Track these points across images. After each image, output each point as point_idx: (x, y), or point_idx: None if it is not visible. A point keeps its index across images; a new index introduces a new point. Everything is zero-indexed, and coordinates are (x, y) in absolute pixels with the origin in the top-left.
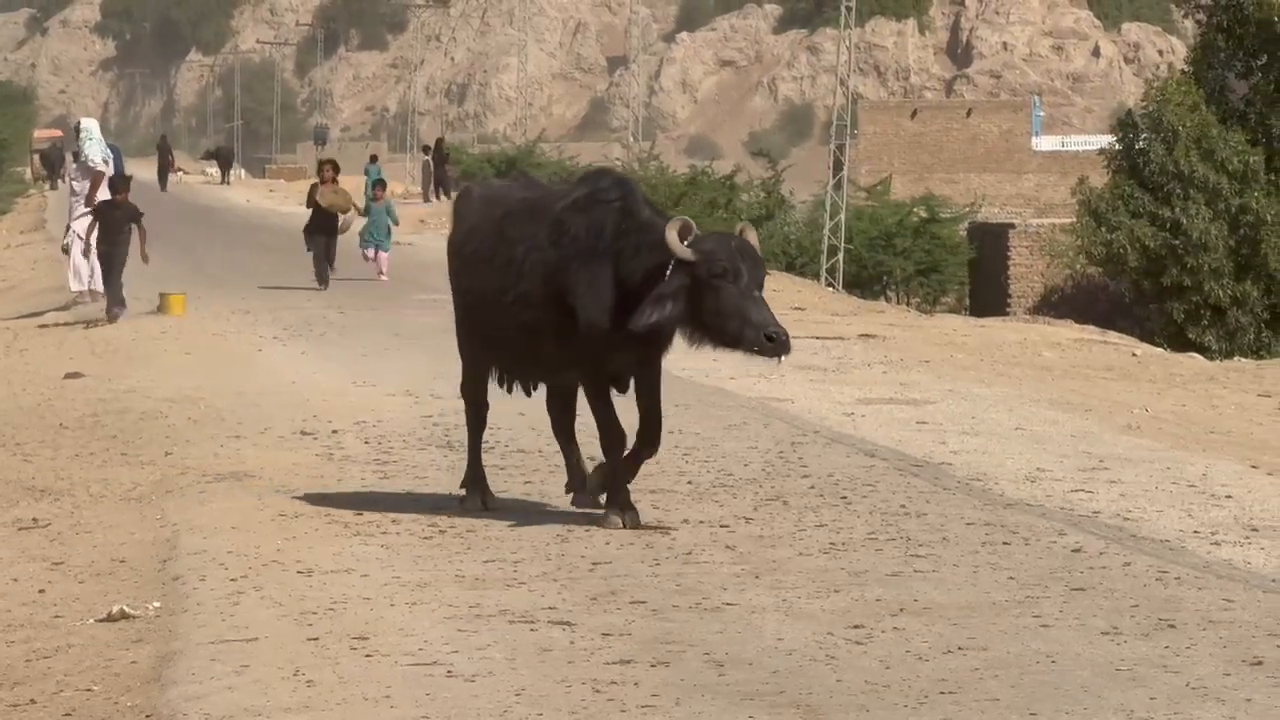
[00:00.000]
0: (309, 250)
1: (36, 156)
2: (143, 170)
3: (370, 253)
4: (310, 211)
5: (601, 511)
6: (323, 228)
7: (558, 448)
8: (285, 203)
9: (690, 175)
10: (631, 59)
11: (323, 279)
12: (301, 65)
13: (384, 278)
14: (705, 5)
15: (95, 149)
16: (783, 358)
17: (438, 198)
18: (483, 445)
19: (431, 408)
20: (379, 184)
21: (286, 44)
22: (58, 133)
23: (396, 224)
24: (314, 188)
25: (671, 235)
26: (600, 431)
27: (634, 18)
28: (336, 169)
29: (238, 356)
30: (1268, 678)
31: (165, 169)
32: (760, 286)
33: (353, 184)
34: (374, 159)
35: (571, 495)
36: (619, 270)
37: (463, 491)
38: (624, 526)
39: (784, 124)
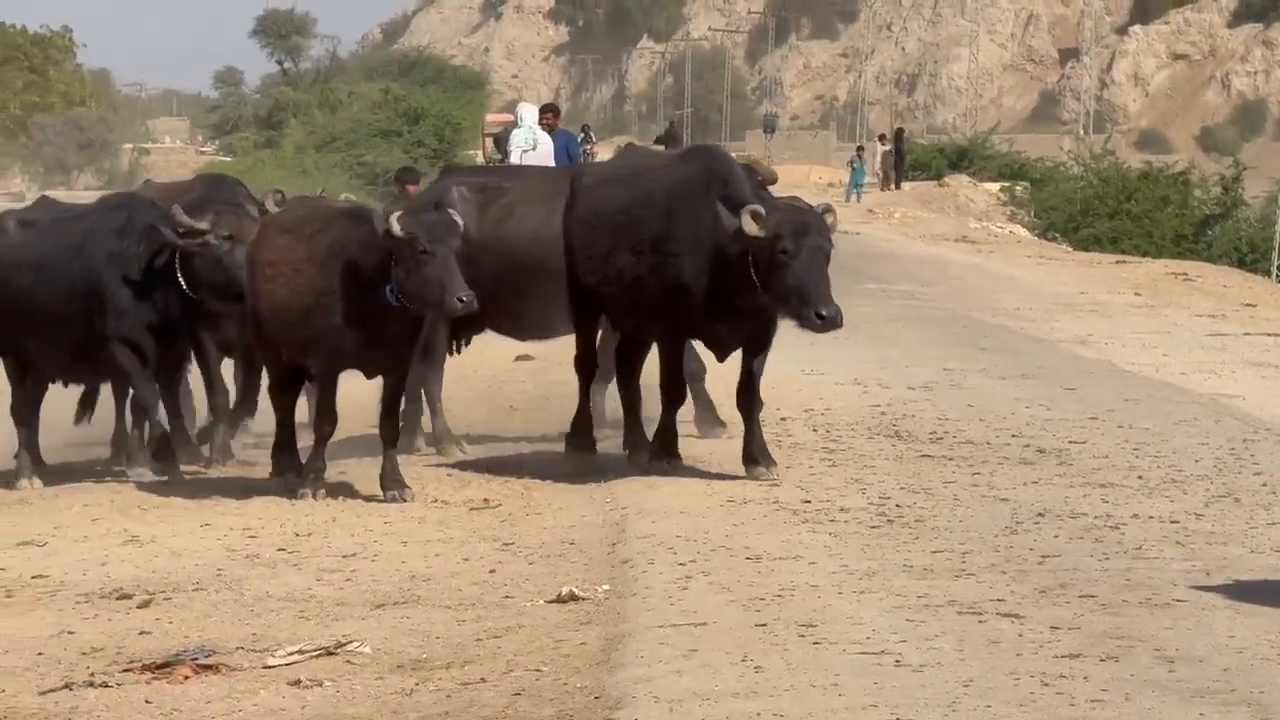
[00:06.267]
0: None
1: (489, 140)
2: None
3: None
4: None
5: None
6: None
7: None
8: None
9: (1144, 171)
10: (1084, 51)
11: None
12: (752, 53)
13: None
14: None
15: (520, 135)
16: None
17: (896, 187)
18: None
19: (879, 397)
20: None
21: (738, 31)
22: (509, 118)
23: None
24: None
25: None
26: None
27: (1087, 10)
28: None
29: None
30: None
31: None
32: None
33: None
34: (860, 151)
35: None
36: None
37: None
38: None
39: (1236, 118)
